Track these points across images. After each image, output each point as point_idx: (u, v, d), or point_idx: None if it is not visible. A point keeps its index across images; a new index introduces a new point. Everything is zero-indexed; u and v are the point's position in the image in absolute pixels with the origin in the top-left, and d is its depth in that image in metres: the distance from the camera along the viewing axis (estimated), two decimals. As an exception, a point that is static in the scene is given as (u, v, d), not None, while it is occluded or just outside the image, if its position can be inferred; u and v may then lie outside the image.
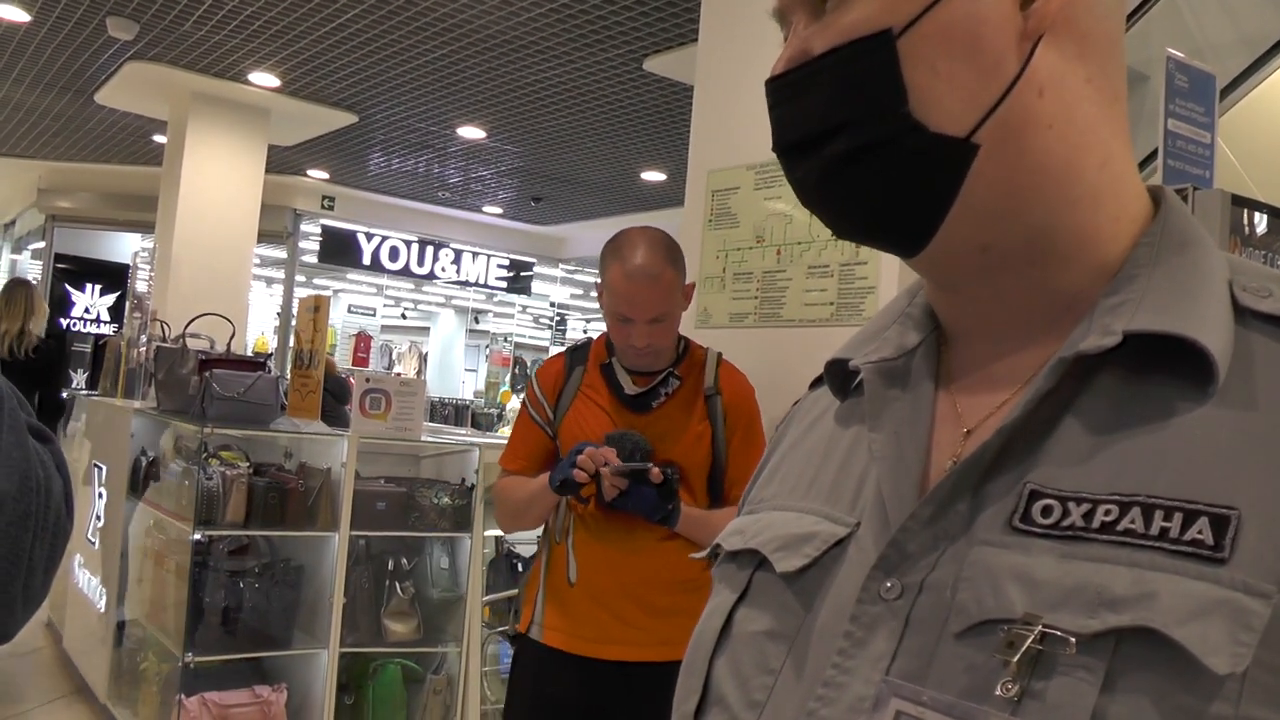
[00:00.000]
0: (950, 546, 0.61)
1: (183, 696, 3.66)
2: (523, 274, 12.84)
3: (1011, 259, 0.66)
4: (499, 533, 4.25)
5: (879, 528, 0.65)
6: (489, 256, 12.49)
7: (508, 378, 13.37)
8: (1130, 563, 0.54)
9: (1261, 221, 2.17)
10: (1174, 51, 2.24)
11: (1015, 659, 0.53)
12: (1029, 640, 0.53)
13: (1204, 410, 0.58)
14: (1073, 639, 0.53)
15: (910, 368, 0.72)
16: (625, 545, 2.32)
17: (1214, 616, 0.51)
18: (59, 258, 11.38)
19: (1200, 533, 0.53)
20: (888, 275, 2.45)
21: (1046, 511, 0.58)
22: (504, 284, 12.79)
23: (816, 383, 0.85)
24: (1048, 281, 0.66)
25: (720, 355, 2.45)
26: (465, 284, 12.54)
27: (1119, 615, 0.53)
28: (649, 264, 2.24)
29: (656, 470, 2.19)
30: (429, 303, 15.86)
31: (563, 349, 2.62)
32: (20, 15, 6.02)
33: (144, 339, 5.51)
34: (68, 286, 11.46)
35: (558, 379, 2.46)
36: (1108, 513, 0.56)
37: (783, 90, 0.67)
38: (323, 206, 10.96)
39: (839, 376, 0.78)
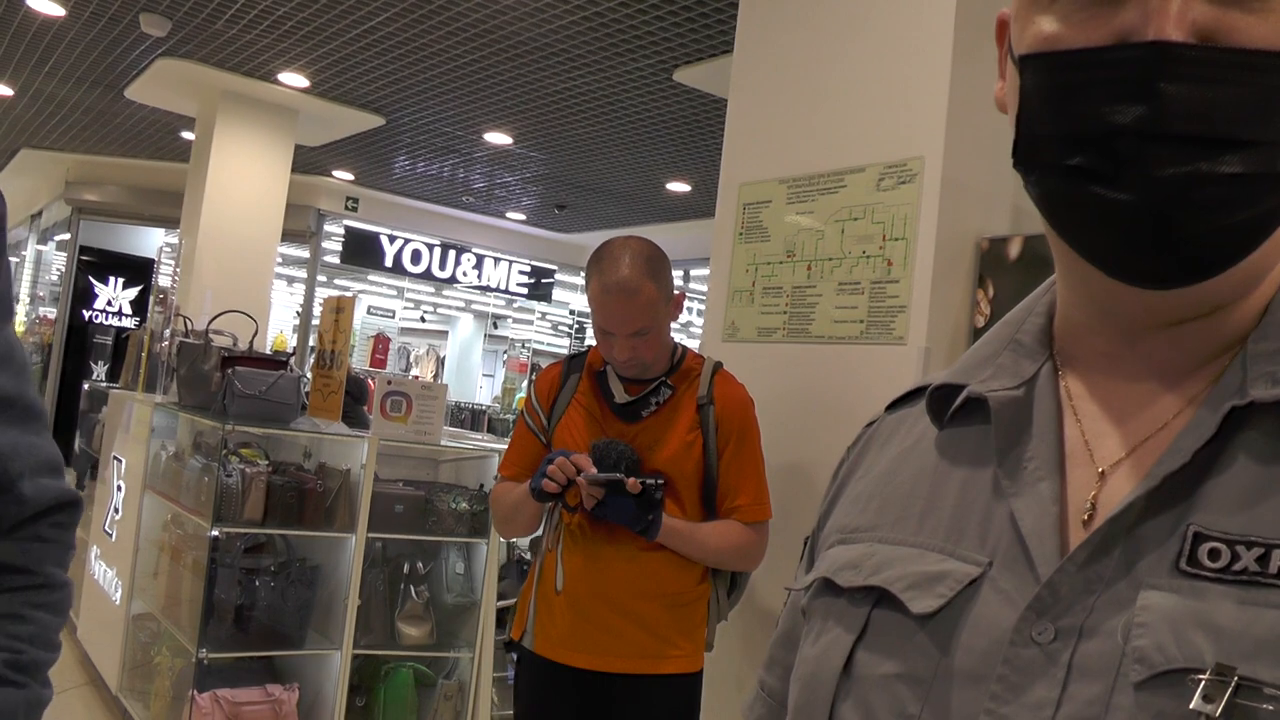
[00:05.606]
0: (1106, 590, 0.59)
1: (195, 692, 3.66)
2: (544, 281, 12.84)
3: (1212, 307, 0.63)
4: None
5: (1020, 569, 0.63)
6: (511, 262, 12.50)
7: (525, 384, 13.37)
8: None
9: None
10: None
11: (1216, 712, 0.50)
12: (1228, 693, 0.51)
13: None
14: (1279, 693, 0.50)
15: (1032, 399, 0.70)
16: (607, 555, 2.30)
17: None
18: (83, 250, 11.44)
19: None
20: (920, 295, 2.42)
21: (1214, 555, 0.56)
22: (525, 290, 12.79)
23: (894, 405, 0.82)
24: (1217, 327, 0.64)
25: (719, 365, 2.42)
26: (486, 289, 12.55)
27: None
28: (627, 279, 2.21)
29: (634, 481, 2.17)
30: (448, 306, 15.88)
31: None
32: (55, 10, 6.06)
33: (167, 333, 5.53)
34: (91, 279, 11.52)
35: (553, 386, 2.46)
36: None
37: (1182, 67, 0.56)
38: (346, 207, 10.99)
39: (939, 403, 0.75)
